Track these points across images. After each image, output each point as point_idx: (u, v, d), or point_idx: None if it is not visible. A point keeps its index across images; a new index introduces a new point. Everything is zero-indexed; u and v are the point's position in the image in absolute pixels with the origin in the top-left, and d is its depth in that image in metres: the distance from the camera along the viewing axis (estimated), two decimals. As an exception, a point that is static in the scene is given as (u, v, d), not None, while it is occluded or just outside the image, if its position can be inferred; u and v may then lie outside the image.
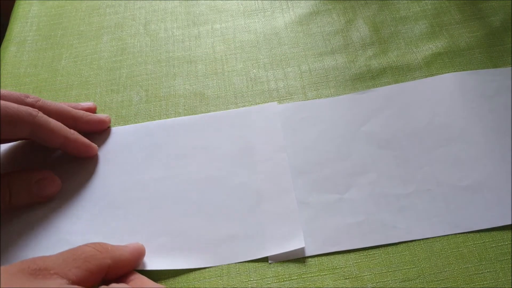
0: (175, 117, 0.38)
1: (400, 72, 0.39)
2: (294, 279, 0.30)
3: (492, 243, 0.30)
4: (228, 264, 0.31)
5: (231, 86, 0.40)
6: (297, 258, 0.30)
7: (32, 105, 0.33)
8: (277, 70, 0.40)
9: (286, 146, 0.35)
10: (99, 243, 0.28)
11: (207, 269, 0.30)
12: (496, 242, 0.30)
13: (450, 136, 0.34)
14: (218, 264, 0.31)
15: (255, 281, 0.30)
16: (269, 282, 0.30)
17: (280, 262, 0.30)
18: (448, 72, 0.38)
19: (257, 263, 0.31)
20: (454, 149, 0.34)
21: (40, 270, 0.24)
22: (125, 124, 0.38)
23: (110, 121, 0.38)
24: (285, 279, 0.30)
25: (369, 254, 0.30)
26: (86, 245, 0.28)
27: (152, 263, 0.31)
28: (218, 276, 0.30)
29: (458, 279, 0.29)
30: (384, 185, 0.33)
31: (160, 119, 0.38)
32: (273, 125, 0.36)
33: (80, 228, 0.32)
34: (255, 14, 0.45)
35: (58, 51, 0.44)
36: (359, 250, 0.30)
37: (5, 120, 0.30)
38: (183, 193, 0.34)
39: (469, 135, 0.34)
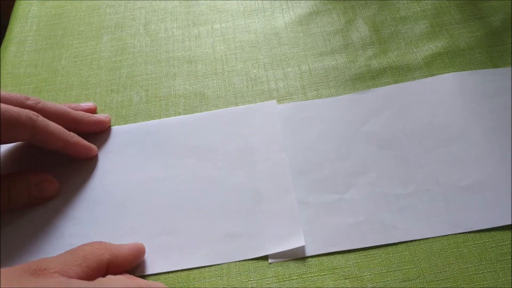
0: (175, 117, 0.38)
1: (400, 72, 0.39)
2: (294, 279, 0.30)
3: (492, 243, 0.30)
4: (228, 264, 0.31)
5: (231, 86, 0.40)
6: (297, 258, 0.30)
7: (32, 108, 0.33)
8: (277, 70, 0.40)
9: (286, 145, 0.35)
10: (97, 242, 0.29)
11: (207, 269, 0.30)
12: (496, 242, 0.30)
13: (450, 136, 0.34)
14: (218, 263, 0.31)
15: (255, 281, 0.30)
16: (269, 282, 0.30)
17: (280, 262, 0.30)
18: (448, 72, 0.38)
19: (257, 263, 0.31)
20: (454, 149, 0.34)
21: (41, 270, 0.25)
22: (125, 124, 0.38)
23: (110, 121, 0.38)
24: (285, 279, 0.30)
25: (369, 254, 0.30)
26: (85, 244, 0.29)
27: (152, 264, 0.31)
28: (218, 276, 0.30)
29: (458, 279, 0.29)
30: (384, 185, 0.33)
31: (160, 119, 0.38)
32: (273, 124, 0.36)
33: (81, 230, 0.32)
34: (255, 14, 0.45)
35: (58, 51, 0.44)
36: (359, 250, 0.30)
37: (5, 124, 0.30)
38: (183, 192, 0.34)
39: (469, 135, 0.34)
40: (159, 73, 0.41)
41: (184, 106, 0.39)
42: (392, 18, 0.43)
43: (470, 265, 0.29)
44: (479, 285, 0.28)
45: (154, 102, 0.39)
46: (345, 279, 0.29)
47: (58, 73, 0.42)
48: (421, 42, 0.41)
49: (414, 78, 0.38)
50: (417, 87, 0.37)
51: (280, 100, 0.38)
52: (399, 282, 0.29)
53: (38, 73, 0.42)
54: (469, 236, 0.30)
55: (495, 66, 0.38)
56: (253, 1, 0.46)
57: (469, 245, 0.30)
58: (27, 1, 0.49)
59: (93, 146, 0.36)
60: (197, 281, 0.30)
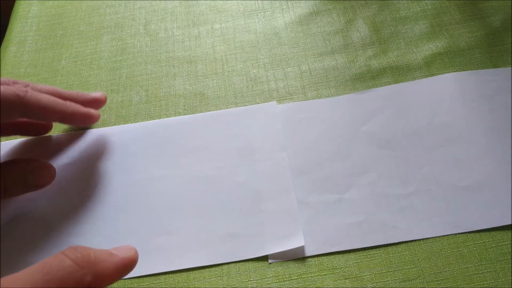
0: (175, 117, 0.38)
1: (400, 72, 0.39)
2: (294, 279, 0.30)
3: (492, 243, 0.30)
4: (228, 264, 0.31)
5: (231, 86, 0.40)
6: (297, 258, 0.30)
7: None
8: (277, 70, 0.40)
9: (286, 146, 0.35)
10: (81, 252, 0.23)
11: (207, 269, 0.30)
12: (496, 242, 0.30)
13: (450, 136, 0.34)
14: (218, 263, 0.31)
15: (255, 281, 0.30)
16: (269, 282, 0.30)
17: (280, 262, 0.30)
18: (448, 72, 0.38)
19: (257, 263, 0.31)
20: (454, 149, 0.34)
21: None
22: (125, 124, 0.38)
23: (106, 100, 0.37)
24: (285, 279, 0.30)
25: (369, 254, 0.30)
26: (65, 255, 0.23)
27: (152, 264, 0.31)
28: (218, 276, 0.30)
29: (458, 279, 0.29)
30: (384, 185, 0.33)
31: (160, 119, 0.38)
32: (273, 124, 0.36)
33: (80, 229, 0.32)
34: (255, 14, 0.45)
35: (58, 51, 0.44)
36: (359, 250, 0.30)
37: None
38: (183, 192, 0.34)
39: (469, 135, 0.34)
40: (159, 73, 0.41)
41: (184, 106, 0.39)
42: (392, 18, 0.43)
43: (470, 265, 0.29)
44: (479, 285, 0.28)
45: (154, 102, 0.39)
46: (345, 279, 0.29)
47: (58, 73, 0.42)
48: (421, 42, 0.41)
49: (414, 78, 0.38)
50: (417, 87, 0.37)
51: (280, 100, 0.38)
52: (399, 282, 0.29)
53: (38, 73, 0.42)
54: (469, 236, 0.30)
55: (495, 66, 0.38)
56: (253, 1, 0.46)
57: (469, 245, 0.30)
58: (27, 1, 0.49)
59: (94, 111, 0.34)
60: (197, 281, 0.30)
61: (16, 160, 0.33)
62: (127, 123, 0.38)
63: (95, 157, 0.36)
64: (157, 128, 0.37)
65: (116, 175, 0.35)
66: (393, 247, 0.30)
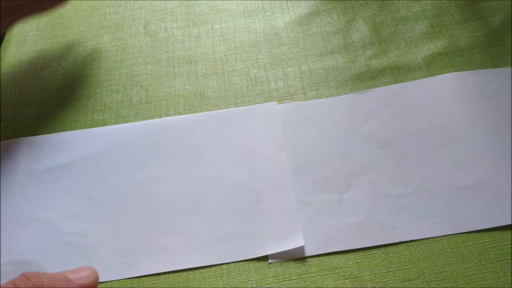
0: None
1: (400, 72, 0.39)
2: (294, 279, 0.30)
3: (492, 243, 0.30)
4: (228, 264, 0.31)
5: (231, 86, 0.40)
6: (297, 258, 0.30)
7: None
8: (277, 70, 0.40)
9: (286, 146, 0.35)
10: (33, 281, 0.21)
11: (207, 269, 0.30)
12: (496, 242, 0.30)
13: (450, 136, 0.34)
14: (218, 263, 0.31)
15: (255, 281, 0.30)
16: (269, 282, 0.30)
17: (280, 262, 0.30)
18: (448, 72, 0.38)
19: (257, 263, 0.31)
20: (454, 149, 0.34)
21: None
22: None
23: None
24: (285, 279, 0.30)
25: (369, 254, 0.30)
26: (15, 284, 0.21)
27: (152, 264, 0.31)
28: (218, 276, 0.30)
29: (458, 279, 0.29)
30: (384, 185, 0.33)
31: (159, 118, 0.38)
32: (273, 124, 0.36)
33: (80, 229, 0.32)
34: (255, 14, 0.45)
35: (58, 51, 0.44)
36: (359, 250, 0.30)
37: None
38: (183, 192, 0.34)
39: (469, 135, 0.34)
40: (159, 73, 0.41)
41: (184, 106, 0.39)
42: (392, 18, 0.43)
43: (470, 265, 0.29)
44: (479, 285, 0.28)
45: (154, 102, 0.39)
46: (345, 279, 0.29)
47: (58, 73, 0.42)
48: (421, 42, 0.41)
49: (414, 78, 0.38)
50: (417, 87, 0.37)
51: (280, 100, 0.38)
52: (399, 282, 0.29)
53: (38, 73, 0.42)
54: (469, 236, 0.30)
55: (495, 66, 0.38)
56: (253, 1, 0.46)
57: (469, 245, 0.30)
58: (27, 1, 0.49)
59: None
60: (197, 281, 0.30)
61: None
62: (127, 123, 0.38)
63: (95, 157, 0.36)
64: (157, 127, 0.37)
65: (116, 175, 0.35)
66: (393, 247, 0.30)
